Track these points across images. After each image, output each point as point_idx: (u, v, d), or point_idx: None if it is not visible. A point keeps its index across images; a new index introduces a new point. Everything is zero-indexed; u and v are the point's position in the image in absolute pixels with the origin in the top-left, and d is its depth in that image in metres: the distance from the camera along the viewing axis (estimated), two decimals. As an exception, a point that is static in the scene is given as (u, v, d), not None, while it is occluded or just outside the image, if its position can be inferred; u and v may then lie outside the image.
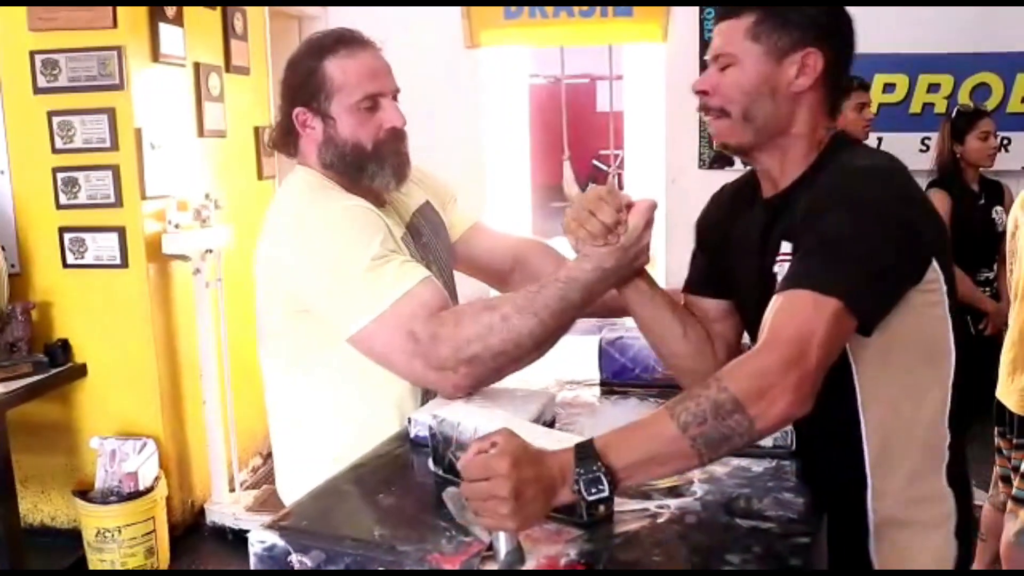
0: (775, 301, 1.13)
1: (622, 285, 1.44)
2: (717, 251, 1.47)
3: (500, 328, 1.39)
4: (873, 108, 3.51)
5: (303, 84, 1.61)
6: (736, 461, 1.31)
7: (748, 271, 1.35)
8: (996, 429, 2.62)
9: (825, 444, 1.29)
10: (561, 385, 1.73)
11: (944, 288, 1.24)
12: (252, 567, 1.13)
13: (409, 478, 1.32)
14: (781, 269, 1.26)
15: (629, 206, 1.39)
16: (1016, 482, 2.48)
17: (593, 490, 1.02)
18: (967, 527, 1.30)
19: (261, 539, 1.11)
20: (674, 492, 1.22)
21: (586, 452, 1.03)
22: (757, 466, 1.30)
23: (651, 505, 1.17)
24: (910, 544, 1.27)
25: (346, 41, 1.61)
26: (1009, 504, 2.53)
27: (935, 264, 1.22)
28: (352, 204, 1.54)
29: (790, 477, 1.27)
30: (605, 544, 1.06)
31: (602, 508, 1.07)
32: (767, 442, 1.32)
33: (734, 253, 1.42)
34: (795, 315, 1.10)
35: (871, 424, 1.25)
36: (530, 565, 1.01)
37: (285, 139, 1.66)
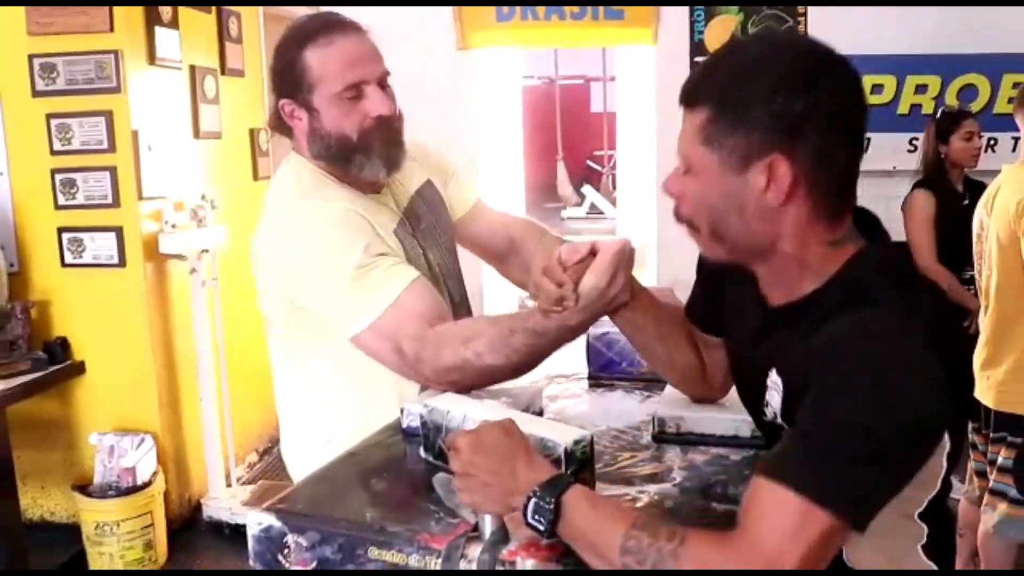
0: (760, 485, 0.95)
1: (612, 317, 1.38)
2: (715, 291, 1.31)
3: (474, 363, 1.42)
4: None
5: (285, 75, 1.58)
6: (715, 450, 1.36)
7: (740, 348, 1.23)
8: (971, 425, 2.68)
9: None
10: (550, 379, 1.77)
11: (948, 449, 1.04)
12: (250, 548, 1.18)
13: (400, 465, 1.37)
14: (771, 398, 1.10)
15: (592, 254, 1.28)
16: (993, 475, 2.54)
17: (535, 518, 1.00)
18: (939, 546, 1.14)
19: (259, 521, 1.16)
20: (654, 479, 1.27)
21: (557, 484, 1.01)
22: (735, 455, 1.35)
23: (632, 491, 1.22)
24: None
25: (327, 28, 1.56)
26: (986, 497, 2.58)
27: (945, 441, 1.02)
28: (340, 208, 1.54)
29: (766, 464, 1.32)
30: (586, 525, 1.12)
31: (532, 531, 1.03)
32: (745, 433, 1.37)
33: (730, 311, 1.27)
34: (776, 523, 0.92)
35: None
36: (512, 546, 1.06)
37: (281, 126, 1.65)
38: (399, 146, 1.62)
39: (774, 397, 1.09)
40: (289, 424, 1.75)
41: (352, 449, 1.42)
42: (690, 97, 1.06)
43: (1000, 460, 2.52)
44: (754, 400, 1.17)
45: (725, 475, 1.28)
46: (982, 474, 2.67)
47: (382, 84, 1.60)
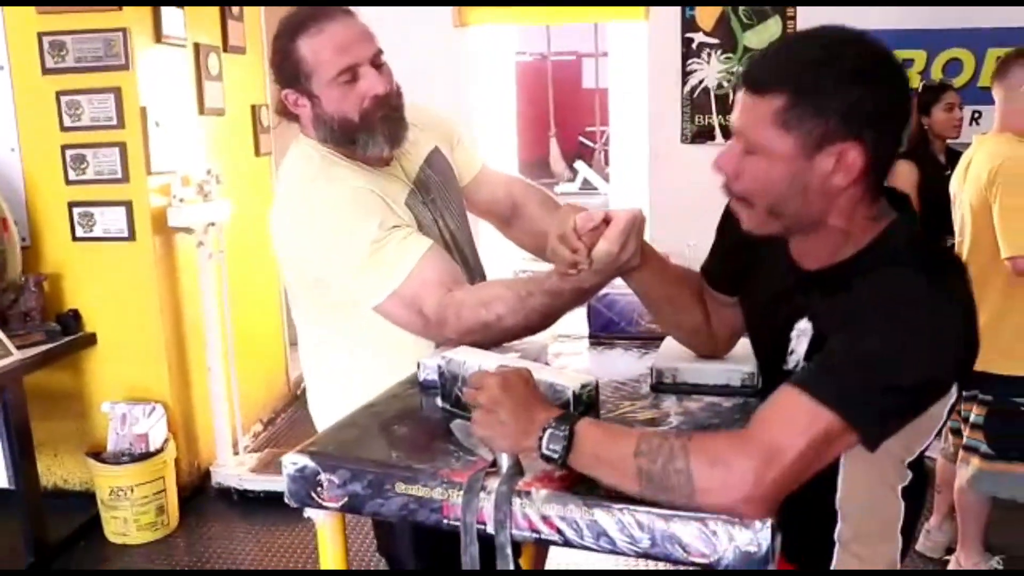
0: (779, 391, 1.07)
1: (624, 277, 1.48)
2: (737, 254, 1.39)
3: (495, 326, 1.54)
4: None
5: (282, 66, 1.65)
6: (708, 398, 1.47)
7: (760, 302, 1.33)
8: None
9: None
10: (554, 338, 1.88)
11: (952, 401, 1.16)
12: (286, 488, 1.29)
13: (419, 414, 1.48)
14: (797, 345, 1.21)
15: (606, 222, 1.35)
16: (967, 432, 2.66)
17: (550, 448, 1.11)
18: (911, 526, 1.28)
19: (294, 461, 1.27)
20: (653, 423, 1.38)
21: (566, 418, 1.13)
22: (727, 402, 1.45)
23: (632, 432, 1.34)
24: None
25: (316, 16, 1.62)
26: (961, 453, 2.70)
27: (955, 388, 1.13)
28: (351, 187, 1.62)
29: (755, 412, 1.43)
30: (592, 461, 1.23)
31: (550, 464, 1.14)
32: (735, 382, 1.48)
33: (754, 272, 1.36)
34: (785, 419, 1.04)
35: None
36: (528, 477, 1.18)
37: (287, 113, 1.73)
38: (400, 122, 1.68)
39: (801, 343, 1.20)
40: (315, 384, 1.84)
41: (372, 400, 1.52)
42: (760, 83, 1.12)
43: (972, 417, 2.64)
44: (775, 351, 1.27)
45: (718, 419, 1.39)
46: (957, 432, 2.79)
47: (376, 64, 1.65)
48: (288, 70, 1.64)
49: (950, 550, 2.91)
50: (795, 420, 1.03)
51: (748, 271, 1.38)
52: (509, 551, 1.15)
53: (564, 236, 1.36)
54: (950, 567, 2.85)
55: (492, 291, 1.59)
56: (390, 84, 1.67)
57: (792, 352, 1.23)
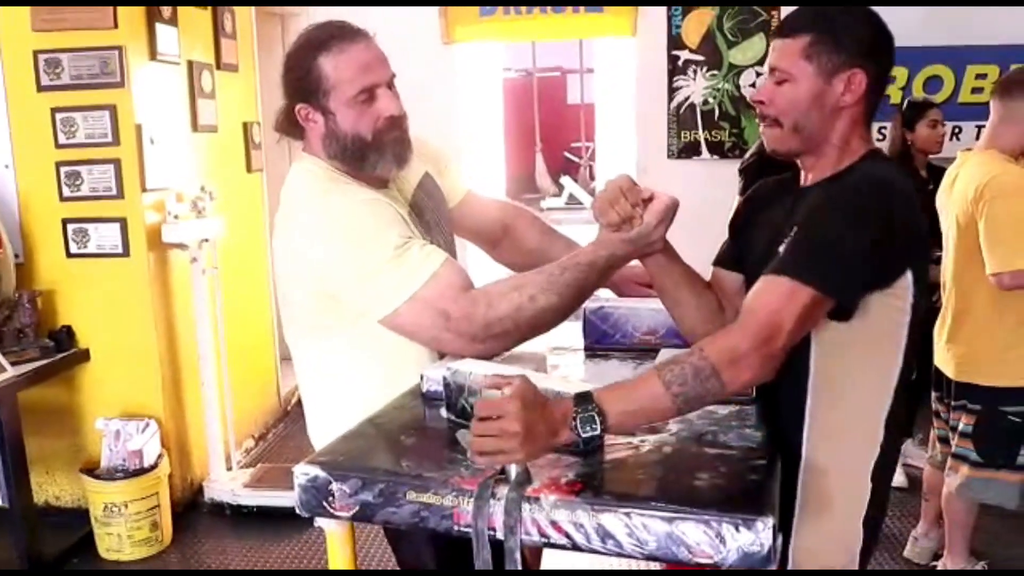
0: (759, 282, 1.32)
1: (644, 260, 1.62)
2: (743, 230, 1.63)
3: (528, 307, 1.59)
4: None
5: (301, 81, 1.69)
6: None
7: (761, 247, 1.50)
8: (934, 394, 2.84)
9: (774, 409, 1.48)
10: (550, 350, 1.92)
11: (911, 300, 1.39)
12: (297, 498, 1.31)
13: (424, 425, 1.51)
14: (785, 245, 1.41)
15: (649, 199, 1.55)
16: (956, 441, 2.71)
17: (587, 428, 1.20)
18: (875, 520, 1.47)
19: (305, 471, 1.30)
20: (653, 430, 1.41)
21: (585, 398, 1.22)
22: (723, 410, 1.49)
23: (634, 440, 1.37)
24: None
25: (338, 36, 1.68)
26: (949, 461, 2.75)
27: (909, 276, 1.37)
28: (368, 198, 1.67)
29: (750, 418, 1.47)
30: (597, 468, 1.26)
31: (595, 444, 1.24)
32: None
33: (757, 231, 1.57)
34: (771, 299, 1.27)
35: (815, 402, 1.43)
36: (535, 486, 1.21)
37: (291, 128, 1.77)
38: (407, 144, 1.76)
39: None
40: (316, 400, 1.84)
41: (376, 413, 1.55)
42: (792, 28, 1.45)
43: (961, 426, 2.68)
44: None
45: (715, 426, 1.43)
46: (944, 440, 2.84)
47: (390, 86, 1.73)
48: (307, 85, 1.68)
49: (937, 556, 2.96)
50: (780, 299, 1.27)
51: (749, 245, 1.59)
52: (518, 555, 1.18)
53: (631, 190, 1.55)
54: (938, 573, 2.91)
55: (520, 279, 1.66)
56: (401, 107, 1.73)
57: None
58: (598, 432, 1.21)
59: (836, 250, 1.30)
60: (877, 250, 1.32)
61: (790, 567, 1.43)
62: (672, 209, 1.55)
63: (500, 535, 1.19)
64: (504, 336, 1.60)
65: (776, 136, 1.48)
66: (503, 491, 1.20)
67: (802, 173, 1.54)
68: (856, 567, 1.46)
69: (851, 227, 1.31)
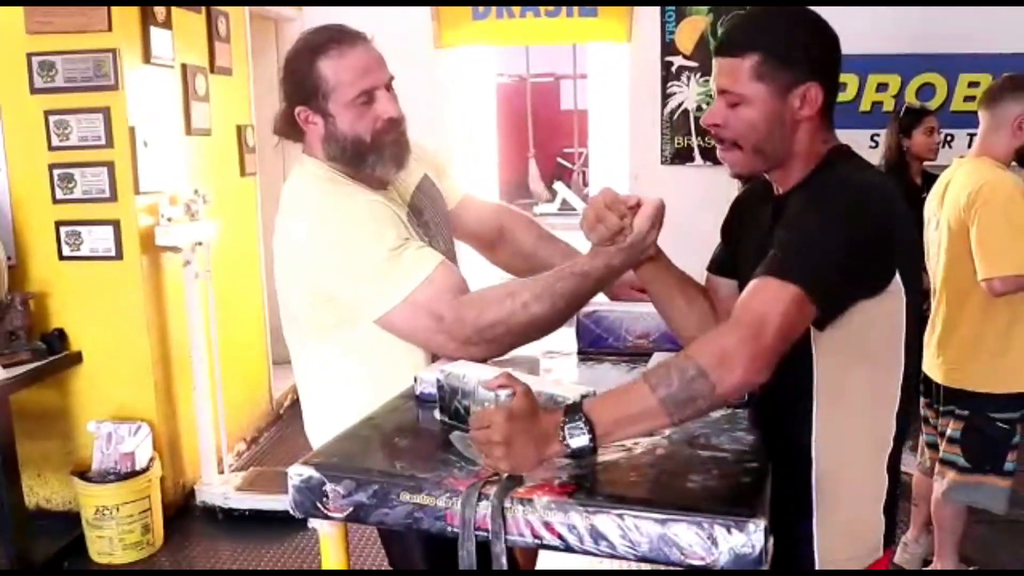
0: (748, 286, 1.28)
1: (637, 267, 1.61)
2: (735, 235, 1.63)
3: (520, 314, 1.60)
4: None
5: (300, 84, 1.71)
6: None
7: (751, 252, 1.47)
8: (923, 400, 2.85)
9: (780, 416, 1.44)
10: (544, 354, 1.92)
11: (904, 300, 1.35)
12: (290, 499, 1.32)
13: (418, 427, 1.52)
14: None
15: (637, 205, 1.54)
16: (944, 446, 2.73)
17: (576, 438, 1.20)
18: (894, 505, 1.45)
19: (299, 472, 1.30)
20: (647, 433, 1.42)
21: (573, 408, 1.22)
22: (716, 413, 1.49)
23: (628, 443, 1.37)
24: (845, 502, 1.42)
25: (337, 39, 1.70)
26: (937, 466, 2.77)
27: (898, 278, 1.33)
28: (366, 199, 1.68)
29: (743, 422, 1.48)
30: (590, 469, 1.27)
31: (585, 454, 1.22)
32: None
33: (746, 236, 1.56)
34: (758, 299, 1.24)
35: (822, 407, 1.38)
36: (527, 486, 1.22)
37: (290, 130, 1.78)
38: (406, 146, 1.78)
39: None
40: (315, 402, 1.85)
41: (370, 414, 1.56)
42: (737, 46, 1.39)
43: (949, 432, 2.70)
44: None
45: (707, 429, 1.44)
46: (933, 446, 2.86)
47: (388, 88, 1.75)
48: (305, 88, 1.70)
49: (927, 562, 2.98)
50: (767, 298, 1.23)
51: (740, 251, 1.57)
52: (504, 560, 1.19)
53: (615, 202, 1.52)
54: (928, 577, 2.92)
55: (515, 285, 1.67)
56: (400, 109, 1.75)
57: None
58: (587, 442, 1.21)
59: (819, 249, 1.28)
60: (861, 249, 1.30)
61: (817, 567, 1.40)
62: (660, 211, 1.55)
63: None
64: (496, 341, 1.61)
65: (738, 159, 1.44)
66: (493, 492, 1.20)
67: (774, 185, 1.51)
68: (882, 552, 1.43)
69: (833, 228, 1.29)
